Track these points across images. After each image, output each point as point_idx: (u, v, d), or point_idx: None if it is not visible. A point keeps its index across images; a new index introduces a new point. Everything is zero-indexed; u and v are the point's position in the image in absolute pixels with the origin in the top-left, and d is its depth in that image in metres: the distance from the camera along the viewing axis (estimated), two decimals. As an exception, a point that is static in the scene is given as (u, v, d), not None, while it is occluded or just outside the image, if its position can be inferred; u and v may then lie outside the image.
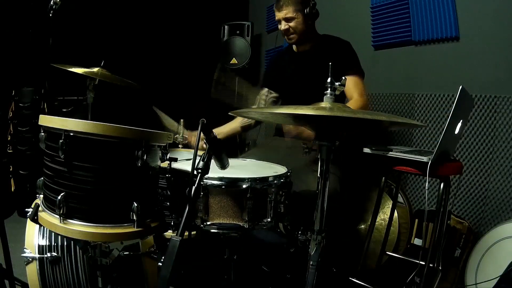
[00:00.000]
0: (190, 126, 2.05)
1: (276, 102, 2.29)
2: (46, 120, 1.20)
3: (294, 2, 1.98)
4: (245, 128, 2.28)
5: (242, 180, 1.37)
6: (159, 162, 1.34)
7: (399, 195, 2.24)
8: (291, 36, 2.04)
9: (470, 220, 2.13)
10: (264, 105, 2.26)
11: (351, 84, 1.98)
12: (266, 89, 2.28)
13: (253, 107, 2.32)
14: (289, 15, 1.99)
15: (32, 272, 1.42)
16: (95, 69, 2.07)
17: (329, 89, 1.22)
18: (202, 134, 1.17)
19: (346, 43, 2.07)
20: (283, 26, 2.03)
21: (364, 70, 2.07)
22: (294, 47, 2.17)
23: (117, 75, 2.13)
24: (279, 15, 2.02)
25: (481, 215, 2.11)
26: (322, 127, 1.23)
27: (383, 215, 2.26)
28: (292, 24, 2.00)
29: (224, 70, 3.46)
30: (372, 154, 1.75)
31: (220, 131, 2.18)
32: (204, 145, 1.21)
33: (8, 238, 1.47)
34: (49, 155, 1.22)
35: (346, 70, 1.95)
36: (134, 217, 1.21)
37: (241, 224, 1.38)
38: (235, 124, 2.22)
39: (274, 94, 2.26)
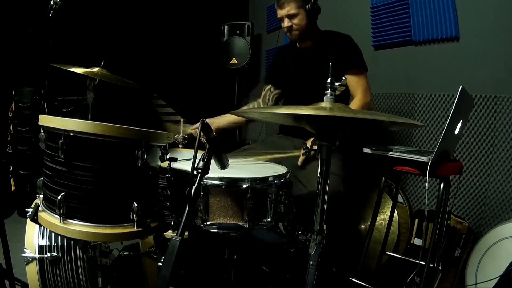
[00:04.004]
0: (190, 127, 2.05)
1: (279, 99, 2.29)
2: (46, 120, 1.20)
3: None
4: (249, 120, 2.27)
5: (242, 180, 1.37)
6: (159, 162, 1.34)
7: (399, 195, 2.24)
8: (294, 33, 2.02)
9: (470, 220, 2.13)
10: (269, 101, 2.26)
11: (354, 81, 1.97)
12: (270, 85, 2.28)
13: (259, 100, 2.32)
14: (292, 11, 1.96)
15: (32, 272, 1.42)
16: (95, 69, 2.07)
17: (329, 89, 1.22)
18: (202, 134, 1.17)
19: (347, 37, 2.06)
20: (286, 23, 2.00)
21: (364, 70, 2.07)
22: (296, 43, 2.17)
23: (117, 75, 2.13)
24: (281, 12, 2.00)
25: (481, 215, 2.11)
26: (322, 127, 1.23)
27: (383, 215, 2.26)
28: (295, 21, 1.98)
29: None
30: (372, 154, 1.75)
31: (223, 120, 2.16)
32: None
33: (8, 238, 1.47)
34: (49, 155, 1.21)
35: (348, 65, 1.95)
36: (134, 217, 1.21)
37: (241, 224, 1.38)
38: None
39: (278, 91, 2.26)
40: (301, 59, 2.14)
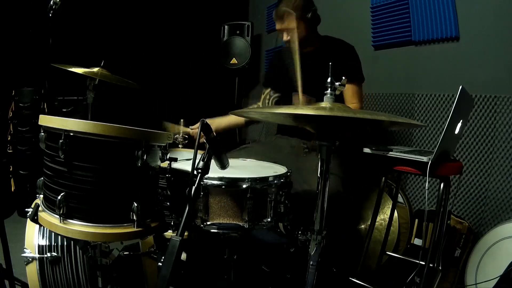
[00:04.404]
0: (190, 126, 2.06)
1: (279, 102, 2.29)
2: (46, 120, 1.20)
3: (294, 11, 1.90)
4: (248, 122, 2.27)
5: (242, 180, 1.37)
6: (159, 162, 1.34)
7: (399, 195, 2.24)
8: (293, 45, 2.02)
9: (470, 220, 2.13)
10: (268, 104, 2.26)
11: (350, 92, 1.98)
12: (269, 89, 2.27)
13: (258, 103, 2.32)
14: (291, 26, 1.93)
15: (32, 272, 1.42)
16: (95, 69, 2.07)
17: (329, 89, 1.22)
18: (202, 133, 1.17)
19: (350, 48, 2.05)
20: (285, 37, 1.98)
21: (364, 70, 2.07)
22: None
23: (117, 75, 2.13)
24: (280, 25, 1.97)
25: (481, 215, 2.11)
26: (322, 127, 1.23)
27: (383, 215, 2.26)
28: (294, 34, 1.97)
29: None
30: (372, 154, 1.75)
31: (223, 121, 2.16)
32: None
33: (8, 238, 1.47)
34: (49, 155, 1.22)
35: (347, 76, 1.94)
36: (134, 217, 1.21)
37: (241, 224, 1.38)
38: (239, 118, 2.20)
39: (278, 94, 2.26)
40: (301, 62, 2.13)
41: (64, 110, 2.94)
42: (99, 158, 1.18)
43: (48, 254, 1.43)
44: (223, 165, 1.28)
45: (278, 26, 2.00)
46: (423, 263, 1.71)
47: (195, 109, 2.72)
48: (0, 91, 2.99)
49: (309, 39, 2.03)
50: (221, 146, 1.23)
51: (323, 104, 1.20)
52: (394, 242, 2.18)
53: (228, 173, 1.35)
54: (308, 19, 1.95)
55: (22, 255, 1.42)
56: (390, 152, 1.69)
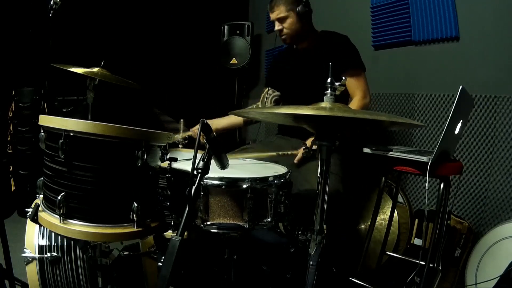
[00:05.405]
0: (190, 126, 2.05)
1: (279, 101, 2.29)
2: (46, 120, 1.20)
3: (285, 2, 1.97)
4: (247, 122, 2.27)
5: (242, 180, 1.37)
6: (159, 162, 1.34)
7: (399, 195, 2.24)
8: (284, 36, 2.04)
9: (470, 220, 2.13)
10: (267, 103, 2.26)
11: (353, 83, 1.98)
12: (268, 88, 2.28)
13: (258, 103, 2.33)
14: (281, 15, 1.98)
15: (32, 272, 1.42)
16: (95, 69, 2.07)
17: (329, 89, 1.22)
18: (202, 134, 1.17)
19: (344, 38, 2.06)
20: (276, 27, 2.03)
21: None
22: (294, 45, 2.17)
23: (117, 75, 2.13)
24: (272, 16, 2.04)
25: (481, 215, 2.11)
26: (322, 127, 1.23)
27: (383, 215, 2.26)
28: (285, 24, 2.00)
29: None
30: (372, 154, 1.75)
31: (222, 121, 2.17)
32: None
33: (8, 238, 1.47)
34: (49, 155, 1.21)
35: (347, 66, 1.95)
36: (134, 217, 1.21)
37: (241, 224, 1.38)
38: (238, 118, 2.21)
39: (277, 93, 2.26)
40: (298, 61, 2.14)
41: (64, 110, 2.94)
42: (99, 158, 1.18)
43: (48, 254, 1.43)
44: (223, 165, 1.28)
45: (271, 17, 2.05)
46: (423, 263, 1.71)
47: (195, 109, 2.72)
48: (0, 91, 2.99)
49: (302, 32, 2.04)
50: (221, 146, 1.23)
51: (323, 104, 1.20)
52: (394, 242, 2.19)
53: (228, 173, 1.35)
54: (299, 10, 1.97)
55: (22, 255, 1.42)
56: (390, 152, 1.69)
